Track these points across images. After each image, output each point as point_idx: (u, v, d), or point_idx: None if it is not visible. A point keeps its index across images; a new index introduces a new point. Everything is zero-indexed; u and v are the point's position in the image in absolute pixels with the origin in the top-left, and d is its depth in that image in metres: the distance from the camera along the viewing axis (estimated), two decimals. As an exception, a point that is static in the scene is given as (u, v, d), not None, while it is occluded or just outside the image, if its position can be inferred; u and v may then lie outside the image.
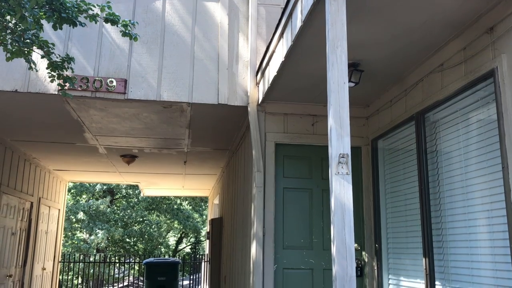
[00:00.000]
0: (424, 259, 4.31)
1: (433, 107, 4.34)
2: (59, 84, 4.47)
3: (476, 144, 3.82)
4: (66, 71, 4.29)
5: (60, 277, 13.08)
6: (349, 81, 4.38)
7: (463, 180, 3.97)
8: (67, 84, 4.63)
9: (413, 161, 4.72)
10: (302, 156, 5.64)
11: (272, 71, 4.81)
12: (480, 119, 3.80)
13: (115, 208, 21.46)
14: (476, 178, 3.79)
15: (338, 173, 2.80)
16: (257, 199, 5.38)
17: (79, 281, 18.15)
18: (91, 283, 17.68)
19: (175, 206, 22.44)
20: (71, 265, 13.80)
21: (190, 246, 27.72)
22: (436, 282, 4.18)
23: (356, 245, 5.38)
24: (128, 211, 21.26)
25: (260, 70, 5.37)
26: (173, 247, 26.41)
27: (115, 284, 18.59)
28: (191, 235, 26.28)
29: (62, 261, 12.04)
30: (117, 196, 22.00)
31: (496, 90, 3.42)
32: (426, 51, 4.22)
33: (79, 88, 5.26)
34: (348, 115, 2.92)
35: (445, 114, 4.25)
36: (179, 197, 22.26)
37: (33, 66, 4.09)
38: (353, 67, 4.46)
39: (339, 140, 2.83)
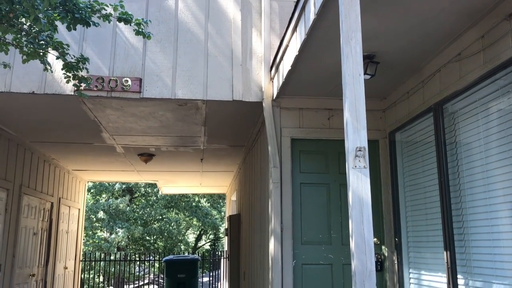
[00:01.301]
0: (445, 253, 4.23)
1: (451, 98, 4.26)
2: (74, 85, 4.51)
3: (497, 134, 3.73)
4: (81, 71, 4.31)
5: (82, 276, 13.26)
6: (365, 73, 4.33)
7: (484, 172, 3.88)
8: (83, 85, 4.67)
9: (432, 153, 4.64)
10: (318, 151, 5.59)
11: (286, 65, 4.78)
12: (500, 109, 3.71)
13: (135, 206, 21.66)
14: (498, 169, 3.71)
15: (355, 166, 2.76)
16: (274, 195, 5.35)
17: (101, 280, 18.39)
18: (112, 281, 17.91)
19: (194, 204, 22.56)
20: (92, 263, 13.98)
21: (209, 243, 27.86)
22: (458, 276, 4.11)
23: (375, 239, 5.32)
24: (147, 209, 21.45)
25: (274, 65, 5.34)
26: (193, 244, 26.57)
27: (136, 282, 18.79)
28: (210, 232, 26.42)
29: (84, 260, 12.20)
30: (136, 195, 22.21)
31: (517, 78, 3.33)
32: (443, 40, 4.13)
33: (95, 88, 5.30)
34: (364, 108, 2.87)
35: (464, 105, 4.16)
36: (197, 195, 22.37)
37: (48, 67, 4.12)
38: (369, 59, 4.40)
39: (356, 133, 2.79)
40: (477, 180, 3.98)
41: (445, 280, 4.27)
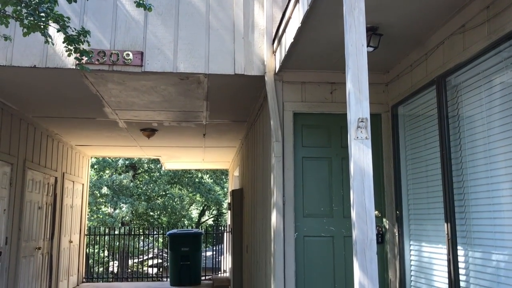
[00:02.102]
0: (446, 224, 4.28)
1: (454, 70, 4.23)
2: (76, 58, 4.49)
3: (499, 106, 3.72)
4: (83, 44, 4.29)
5: (87, 250, 13.46)
6: (368, 45, 4.28)
7: (485, 144, 3.89)
8: (84, 58, 4.65)
9: (434, 127, 4.64)
10: (320, 125, 5.59)
11: (288, 38, 4.74)
12: (503, 81, 3.69)
13: (138, 182, 21.81)
14: (499, 141, 3.71)
15: (357, 137, 2.77)
16: (276, 169, 5.38)
17: (105, 254, 18.66)
18: (117, 256, 18.18)
19: (197, 180, 22.70)
20: (97, 238, 14.17)
21: (212, 219, 28.13)
22: (458, 247, 4.16)
23: (376, 212, 5.37)
24: (151, 185, 21.60)
25: (277, 38, 5.29)
26: (196, 220, 26.83)
27: (140, 256, 19.06)
28: (213, 208, 26.64)
29: (88, 234, 12.35)
30: (139, 171, 22.33)
31: (521, 49, 3.31)
32: (447, 12, 4.08)
33: (96, 62, 5.28)
34: (366, 79, 2.86)
35: (467, 77, 4.14)
36: (200, 171, 22.48)
37: (49, 40, 4.11)
38: (372, 31, 4.36)
39: (358, 104, 2.79)
40: (478, 152, 3.98)
41: (445, 251, 4.32)
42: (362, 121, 2.75)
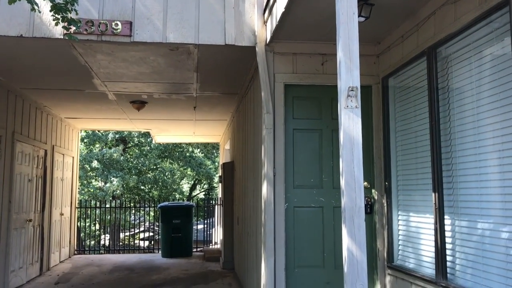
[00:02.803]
0: (433, 194, 4.34)
1: (445, 41, 4.23)
2: (64, 27, 4.41)
3: (489, 77, 3.74)
4: (70, 13, 4.21)
5: (78, 224, 13.51)
6: (359, 15, 4.26)
7: (474, 115, 3.92)
8: (72, 27, 4.58)
9: (424, 98, 4.66)
10: (311, 97, 5.59)
11: (279, 8, 4.68)
12: (493, 52, 3.70)
13: (128, 156, 21.77)
14: (488, 111, 3.74)
15: (347, 106, 2.78)
16: (267, 140, 5.40)
17: (97, 227, 18.75)
18: (108, 229, 18.28)
19: (187, 154, 22.70)
20: (88, 211, 14.22)
21: (203, 193, 28.27)
22: (445, 216, 4.24)
23: (366, 183, 5.43)
24: (141, 159, 21.57)
25: (268, 7, 5.23)
26: (187, 194, 26.96)
27: (132, 230, 19.18)
28: (204, 182, 26.74)
29: (79, 207, 12.38)
30: (129, 145, 22.26)
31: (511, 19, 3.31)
32: (439, -19, 4.05)
33: (85, 32, 5.19)
34: (357, 48, 2.86)
35: (458, 48, 4.14)
36: (191, 145, 22.47)
37: (36, 7, 4.02)
38: (363, 1, 4.32)
39: (348, 73, 2.79)
40: (467, 123, 4.02)
41: (432, 220, 4.40)
42: (352, 90, 2.75)
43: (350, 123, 2.76)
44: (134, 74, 6.72)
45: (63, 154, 10.36)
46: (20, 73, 6.72)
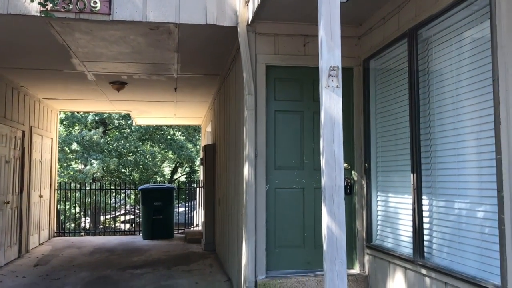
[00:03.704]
0: (412, 175, 4.41)
1: (426, 23, 4.25)
2: (40, 4, 4.29)
3: (468, 59, 3.78)
4: (46, -11, 4.10)
5: (58, 207, 13.37)
6: (341, -4, 4.24)
7: (453, 96, 3.97)
8: (49, 4, 4.46)
9: (404, 80, 4.69)
10: (293, 78, 5.58)
11: (261, -13, 4.63)
12: (472, 34, 3.73)
13: (109, 138, 21.54)
14: (466, 93, 3.79)
15: (328, 86, 2.79)
16: (248, 122, 5.39)
17: (77, 210, 18.59)
18: (89, 212, 18.14)
19: (169, 137, 22.55)
20: (68, 194, 14.07)
21: (185, 176, 28.20)
22: (423, 197, 4.31)
23: (346, 164, 5.48)
24: (122, 141, 21.36)
25: (250, -13, 5.18)
26: (169, 177, 26.86)
27: (113, 213, 19.08)
28: (186, 165, 26.65)
29: (59, 189, 12.24)
30: (109, 127, 22.02)
31: (491, 1, 3.33)
32: (421, -38, 4.05)
33: (62, 10, 5.06)
34: (339, 27, 2.85)
35: (438, 30, 4.17)
36: (172, 127, 22.32)
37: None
38: (345, -19, 4.30)
39: (330, 52, 2.78)
40: (446, 105, 4.07)
41: (410, 201, 4.47)
42: (333, 70, 2.75)
43: (331, 103, 2.77)
44: (113, 54, 6.60)
45: (42, 136, 10.19)
46: (-5, 51, 6.54)
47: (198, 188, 13.62)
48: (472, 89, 3.71)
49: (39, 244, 10.09)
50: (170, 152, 23.25)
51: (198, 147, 23.33)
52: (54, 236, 11.42)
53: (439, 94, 4.17)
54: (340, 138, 2.76)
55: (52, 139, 11.06)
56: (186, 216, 14.12)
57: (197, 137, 23.27)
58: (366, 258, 5.40)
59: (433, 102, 4.26)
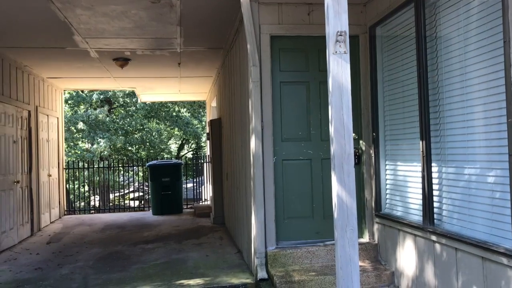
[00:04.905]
0: (421, 142, 4.38)
1: (433, -14, 4.15)
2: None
3: (477, 21, 3.69)
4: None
5: (67, 186, 13.48)
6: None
7: (462, 61, 3.90)
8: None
9: (411, 46, 4.61)
10: (298, 49, 5.51)
11: (264, -45, 4.52)
12: (482, -3, 3.64)
13: (114, 117, 21.53)
14: (475, 57, 3.72)
15: (336, 52, 2.73)
16: (254, 94, 5.34)
17: (86, 189, 18.75)
18: (97, 190, 18.29)
19: (174, 113, 22.51)
20: (76, 173, 14.17)
21: (191, 152, 28.27)
22: (433, 164, 4.28)
23: (353, 134, 5.43)
24: (127, 119, 21.36)
25: (251, -44, 5.05)
26: (175, 154, 26.94)
27: (121, 190, 19.24)
28: (192, 142, 26.69)
29: (67, 168, 12.32)
30: (114, 105, 21.98)
31: (502, -40, 3.24)
32: None
33: (62, -15, 4.98)
34: (345, -9, 2.78)
35: (446, -7, 4.07)
36: (177, 104, 22.26)
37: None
38: None
39: (337, 17, 2.72)
40: (454, 70, 4.01)
41: (419, 168, 4.45)
42: (340, 35, 2.70)
43: (339, 69, 2.72)
44: (115, 29, 6.52)
45: (47, 115, 10.19)
46: (-3, 30, 6.49)
47: (205, 164, 13.67)
48: (482, 52, 3.64)
49: (51, 223, 10.22)
50: (176, 129, 23.25)
51: (203, 123, 23.30)
52: (65, 214, 11.56)
53: (448, 59, 4.09)
54: (349, 105, 2.72)
55: (58, 118, 11.07)
56: (194, 191, 14.21)
57: (202, 113, 23.22)
58: (375, 227, 5.42)
59: (441, 67, 4.18)
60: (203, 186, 14.61)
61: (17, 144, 8.29)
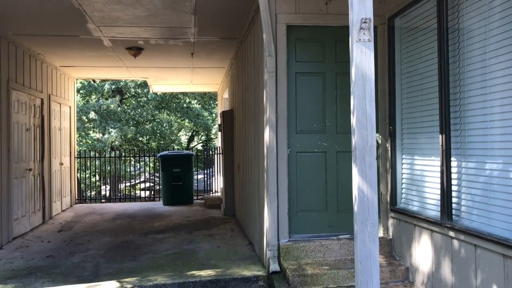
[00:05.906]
0: (440, 136, 4.27)
1: (457, -25, 4.02)
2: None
3: (502, 13, 3.58)
4: None
5: (78, 175, 13.52)
6: None
7: (484, 53, 3.79)
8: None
9: (432, 38, 4.49)
10: (315, 39, 5.41)
11: None
12: (508, -14, 3.51)
13: (125, 107, 21.56)
14: (499, 49, 3.61)
15: (360, 40, 2.65)
16: (269, 85, 5.26)
17: (97, 179, 18.82)
18: (108, 180, 18.35)
19: (185, 105, 22.49)
20: (88, 162, 14.21)
21: (201, 144, 28.27)
22: (452, 158, 4.18)
23: (370, 127, 5.34)
24: (139, 110, 21.38)
25: None
26: (185, 145, 26.96)
27: (132, 181, 19.29)
28: (202, 133, 26.67)
29: (79, 157, 12.35)
30: (126, 96, 22.01)
31: None
32: None
33: (77, -29, 4.93)
34: (370, -23, 2.68)
35: (470, -17, 3.95)
36: (188, 95, 22.22)
37: None
38: None
39: (361, 3, 2.63)
40: (476, 63, 3.89)
41: (438, 163, 4.35)
42: (365, 22, 2.61)
43: (362, 58, 2.64)
44: (129, 17, 6.47)
45: (60, 104, 10.20)
46: (11, 18, 6.45)
47: (216, 155, 13.63)
48: (504, 44, 3.53)
49: (62, 211, 10.25)
50: (187, 120, 23.23)
51: (214, 115, 23.26)
52: (76, 203, 11.60)
53: (469, 51, 3.98)
54: (372, 95, 2.64)
55: (70, 107, 11.08)
56: (205, 183, 14.19)
57: (213, 105, 23.17)
58: (390, 221, 5.33)
59: (463, 59, 4.07)
60: (213, 178, 14.58)
61: (30, 132, 8.30)
